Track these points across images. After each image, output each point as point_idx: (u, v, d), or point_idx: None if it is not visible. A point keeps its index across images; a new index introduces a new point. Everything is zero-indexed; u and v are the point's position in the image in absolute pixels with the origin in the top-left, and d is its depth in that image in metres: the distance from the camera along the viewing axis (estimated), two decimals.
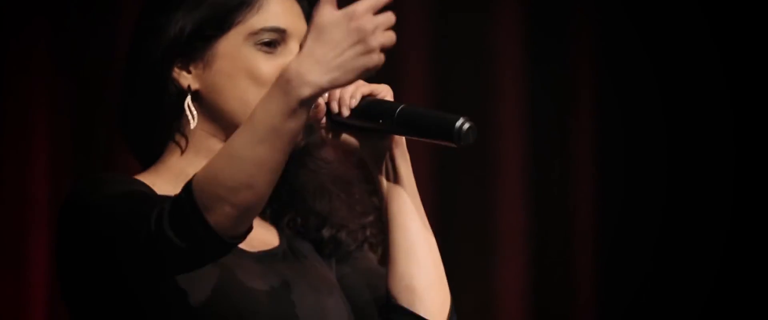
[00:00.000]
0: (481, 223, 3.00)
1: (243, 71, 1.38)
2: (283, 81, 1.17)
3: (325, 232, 1.46)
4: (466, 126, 1.30)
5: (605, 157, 3.02)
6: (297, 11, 1.43)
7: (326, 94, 1.35)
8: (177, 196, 1.19)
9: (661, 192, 2.99)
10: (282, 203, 1.47)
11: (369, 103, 1.36)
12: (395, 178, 1.40)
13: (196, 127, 1.40)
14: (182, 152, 1.41)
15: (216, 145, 1.40)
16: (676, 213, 2.99)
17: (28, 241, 2.67)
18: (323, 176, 1.47)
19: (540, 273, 3.02)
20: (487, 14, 2.98)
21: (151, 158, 1.44)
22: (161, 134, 1.42)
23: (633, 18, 2.98)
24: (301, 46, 1.25)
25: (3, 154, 2.68)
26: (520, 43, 3.00)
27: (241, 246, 1.35)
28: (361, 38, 1.18)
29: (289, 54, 1.40)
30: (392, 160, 1.40)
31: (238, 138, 1.19)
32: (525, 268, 3.01)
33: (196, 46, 1.39)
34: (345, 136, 1.39)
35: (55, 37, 2.69)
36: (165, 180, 1.39)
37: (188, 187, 1.17)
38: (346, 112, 1.35)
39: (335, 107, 1.36)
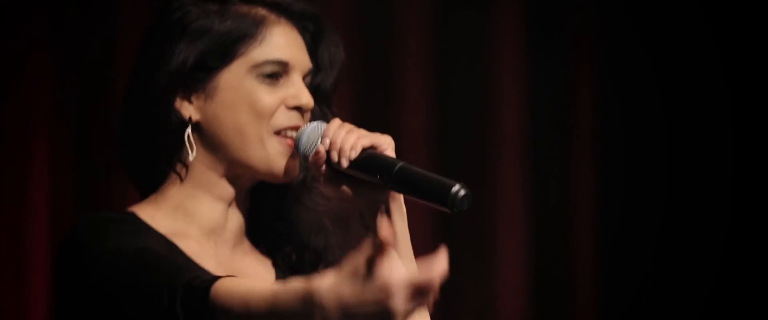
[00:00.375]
0: (481, 223, 2.99)
1: (244, 103, 1.38)
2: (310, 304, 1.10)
3: (320, 269, 1.46)
4: (461, 193, 1.31)
5: (605, 156, 3.02)
6: (300, 43, 1.43)
7: (327, 141, 1.36)
8: (194, 287, 1.17)
9: (660, 192, 2.98)
10: (278, 237, 1.48)
11: (368, 156, 1.36)
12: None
13: (195, 160, 1.40)
14: (181, 184, 1.41)
15: (214, 178, 1.40)
16: (676, 213, 2.99)
17: (27, 246, 2.67)
18: (320, 212, 1.47)
19: (539, 273, 3.02)
20: (486, 14, 2.98)
21: (150, 188, 1.44)
22: (161, 164, 1.42)
23: (633, 18, 2.98)
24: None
25: (3, 158, 2.68)
26: (520, 42, 3.00)
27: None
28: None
29: (291, 86, 1.40)
30: (388, 213, 1.40)
31: (260, 307, 1.15)
32: (525, 268, 3.01)
33: (199, 77, 1.39)
34: (343, 185, 1.39)
35: (55, 38, 2.69)
36: (164, 212, 1.40)
37: (208, 288, 1.16)
38: (344, 164, 1.35)
39: (335, 157, 1.36)
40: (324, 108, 1.46)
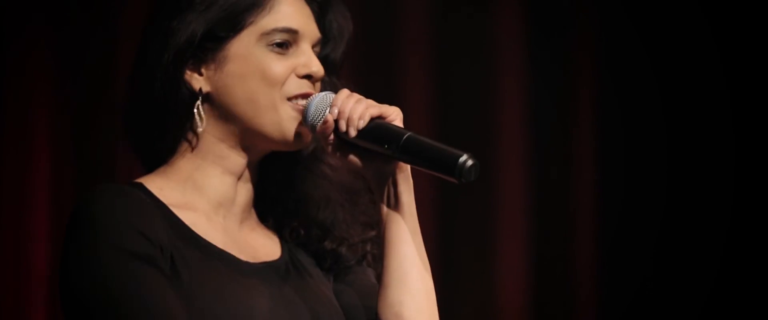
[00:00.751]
0: (482, 224, 3.00)
1: (255, 71, 1.38)
2: None
3: (327, 245, 1.46)
4: (469, 163, 1.31)
5: (606, 158, 3.03)
6: (307, 12, 1.43)
7: (336, 111, 1.35)
8: None
9: (661, 192, 2.99)
10: (286, 211, 1.47)
11: (376, 125, 1.36)
12: (396, 203, 1.39)
13: (205, 132, 1.39)
14: (190, 157, 1.41)
15: (224, 150, 1.40)
16: (676, 214, 2.99)
17: (27, 245, 2.67)
18: (329, 184, 1.47)
19: (540, 273, 3.02)
20: (487, 14, 2.98)
21: (157, 162, 1.43)
22: (169, 138, 1.41)
23: (634, 20, 2.98)
24: None
25: (4, 156, 2.68)
26: (520, 43, 3.00)
27: (244, 257, 1.37)
28: None
29: (300, 54, 1.40)
30: (395, 184, 1.40)
31: None
32: (525, 269, 3.01)
33: (208, 47, 1.38)
34: (351, 155, 1.39)
35: (55, 37, 2.68)
36: (173, 184, 1.39)
37: None
38: (352, 133, 1.35)
39: (343, 126, 1.35)
40: (333, 79, 1.46)
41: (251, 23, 1.38)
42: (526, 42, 3.00)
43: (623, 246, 3.01)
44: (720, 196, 2.98)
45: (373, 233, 1.46)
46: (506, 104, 3.00)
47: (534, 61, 3.00)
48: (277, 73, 1.38)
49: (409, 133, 1.34)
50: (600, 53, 3.02)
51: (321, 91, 1.42)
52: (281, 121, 1.39)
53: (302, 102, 1.40)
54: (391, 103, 1.45)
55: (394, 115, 1.37)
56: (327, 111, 1.37)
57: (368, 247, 1.48)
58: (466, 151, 1.32)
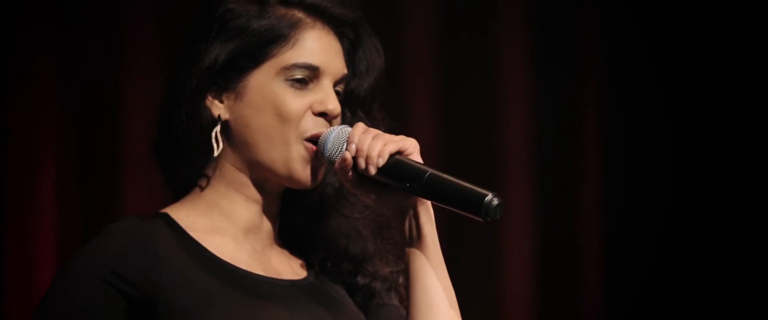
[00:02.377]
0: (488, 242, 3.00)
1: (271, 106, 1.38)
2: None
3: (359, 280, 1.45)
4: (495, 202, 1.29)
5: (610, 173, 3.03)
6: (335, 49, 1.42)
7: (353, 147, 1.34)
8: None
9: (663, 210, 3.00)
10: (314, 244, 1.47)
11: (396, 162, 1.34)
12: (418, 236, 1.38)
13: (225, 160, 1.40)
14: (215, 183, 1.41)
15: (244, 179, 1.40)
16: (677, 215, 3.01)
17: (34, 255, 2.67)
18: (357, 217, 1.46)
19: (545, 288, 3.02)
20: (492, 33, 2.98)
21: (181, 185, 1.43)
22: (192, 162, 1.41)
23: (640, 35, 2.98)
24: None
25: (10, 167, 2.68)
26: (525, 61, 3.00)
27: (270, 274, 1.38)
28: None
29: (319, 91, 1.39)
30: (416, 217, 1.38)
31: None
32: (531, 285, 3.02)
33: (229, 76, 1.38)
34: (370, 190, 1.38)
35: (59, 47, 2.68)
36: (200, 211, 1.40)
37: None
38: (372, 171, 1.34)
39: (362, 164, 1.34)
40: (359, 113, 1.44)
41: (273, 56, 1.38)
42: (532, 61, 3.00)
43: (627, 261, 3.02)
44: (720, 210, 2.99)
45: (403, 266, 1.46)
46: (512, 122, 3.00)
47: (539, 79, 3.00)
48: (292, 109, 1.37)
49: (430, 171, 1.33)
50: (605, 72, 3.02)
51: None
52: (291, 159, 1.38)
53: (313, 145, 1.39)
54: (397, 122, 1.44)
55: (412, 148, 1.36)
56: (344, 147, 1.36)
57: (400, 279, 1.47)
58: (490, 189, 1.30)
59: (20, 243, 2.68)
